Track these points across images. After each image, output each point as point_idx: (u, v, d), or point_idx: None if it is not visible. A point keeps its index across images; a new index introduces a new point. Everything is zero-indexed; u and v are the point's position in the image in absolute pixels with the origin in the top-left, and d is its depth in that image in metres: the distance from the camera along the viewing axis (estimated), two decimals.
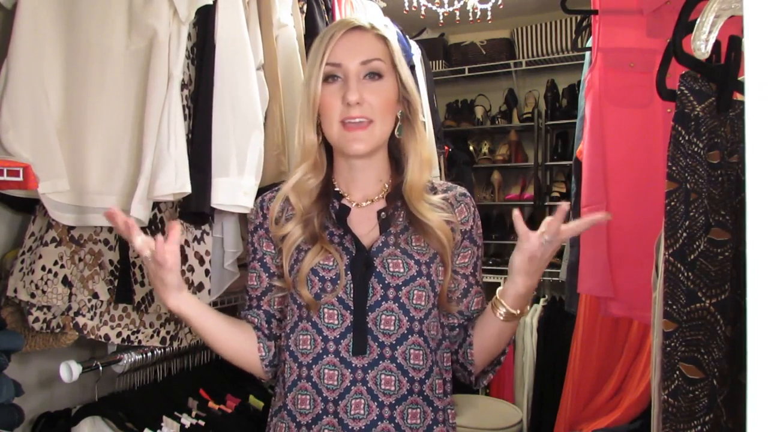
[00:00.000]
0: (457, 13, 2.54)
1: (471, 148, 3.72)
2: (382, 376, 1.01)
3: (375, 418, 1.00)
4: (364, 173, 1.10)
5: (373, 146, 1.05)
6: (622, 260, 1.62)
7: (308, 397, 1.02)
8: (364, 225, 1.07)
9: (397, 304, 1.02)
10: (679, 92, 0.88)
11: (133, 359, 1.51)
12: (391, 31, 1.12)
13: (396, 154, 1.12)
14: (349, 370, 1.01)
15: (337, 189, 1.11)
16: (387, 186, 1.11)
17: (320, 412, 1.01)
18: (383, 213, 1.07)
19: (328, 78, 1.03)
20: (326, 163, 1.11)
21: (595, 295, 1.87)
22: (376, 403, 1.00)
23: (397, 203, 1.08)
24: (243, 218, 1.57)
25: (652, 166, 1.49)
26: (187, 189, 1.27)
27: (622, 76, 1.62)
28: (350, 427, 1.00)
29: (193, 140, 1.34)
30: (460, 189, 1.13)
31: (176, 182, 1.25)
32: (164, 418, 1.47)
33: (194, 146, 1.34)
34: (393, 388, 1.01)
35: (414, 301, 1.02)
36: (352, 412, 1.00)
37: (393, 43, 1.08)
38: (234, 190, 1.36)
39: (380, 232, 1.06)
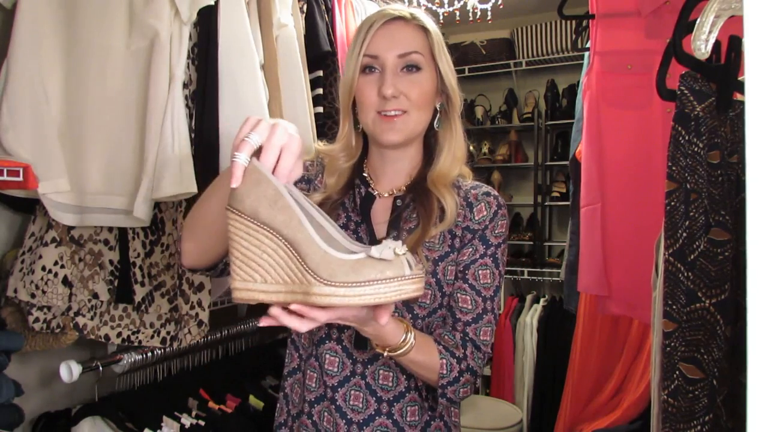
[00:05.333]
0: (457, 13, 2.54)
1: (471, 148, 3.71)
2: (380, 372, 1.01)
3: (373, 412, 1.01)
4: (395, 164, 1.09)
5: (407, 136, 1.03)
6: (618, 259, 1.62)
7: (315, 375, 1.04)
8: (382, 215, 1.06)
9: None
10: (679, 92, 0.88)
11: (133, 359, 1.51)
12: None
13: (431, 146, 1.10)
14: (351, 360, 1.02)
15: (365, 175, 1.10)
16: (413, 179, 1.09)
17: (322, 393, 1.03)
18: (399, 201, 1.06)
19: (366, 69, 1.02)
20: (362, 149, 1.11)
21: (592, 294, 1.87)
22: (374, 399, 1.01)
23: (415, 195, 1.05)
24: None
25: (649, 167, 1.50)
26: (193, 189, 1.27)
27: (619, 78, 1.63)
28: (348, 417, 1.01)
29: (200, 140, 1.34)
30: (486, 188, 1.10)
31: (182, 183, 1.25)
32: (164, 418, 1.47)
33: (201, 147, 1.34)
34: (391, 384, 1.01)
35: (419, 299, 1.00)
36: (351, 403, 1.01)
37: (435, 34, 1.05)
38: None
39: (392, 225, 1.04)
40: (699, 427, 0.82)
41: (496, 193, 1.09)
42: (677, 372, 0.84)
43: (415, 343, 0.91)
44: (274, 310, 0.75)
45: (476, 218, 1.04)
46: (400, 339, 0.90)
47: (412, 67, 1.02)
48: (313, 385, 1.04)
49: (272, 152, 0.76)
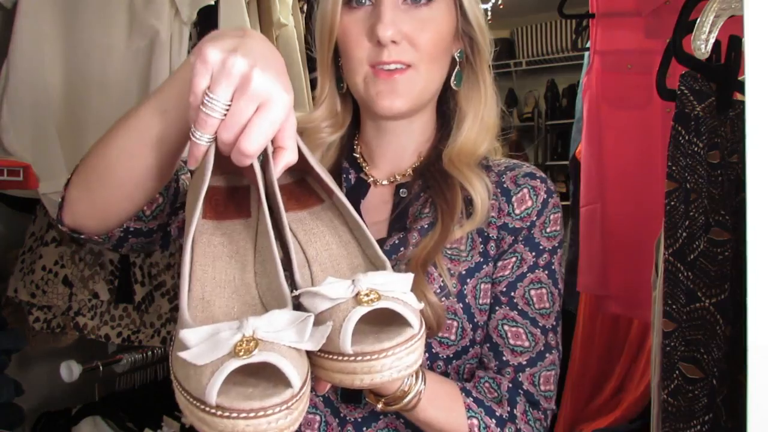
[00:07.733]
0: None
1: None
2: None
3: None
4: (398, 140, 0.77)
5: (414, 103, 0.71)
6: (618, 259, 1.63)
7: None
8: (379, 210, 0.75)
9: None
10: (679, 92, 0.88)
11: (133, 359, 1.51)
12: None
13: (447, 112, 0.78)
14: (338, 420, 0.69)
15: (357, 155, 0.79)
16: (422, 159, 0.77)
17: None
18: (403, 190, 0.75)
19: (352, 1, 0.70)
20: (351, 118, 0.79)
21: (592, 293, 1.88)
22: None
23: (427, 182, 0.74)
24: None
25: (648, 167, 1.50)
26: None
27: (619, 78, 1.63)
28: None
29: None
30: (527, 167, 0.76)
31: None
32: (164, 417, 1.47)
33: None
34: None
35: (439, 334, 0.68)
36: None
37: None
38: None
39: (394, 224, 0.73)
40: (699, 427, 0.82)
41: (543, 174, 0.76)
42: (677, 372, 0.84)
43: (427, 391, 0.61)
44: None
45: (517, 212, 0.72)
46: (402, 385, 0.60)
47: None
48: None
49: (235, 125, 0.46)
